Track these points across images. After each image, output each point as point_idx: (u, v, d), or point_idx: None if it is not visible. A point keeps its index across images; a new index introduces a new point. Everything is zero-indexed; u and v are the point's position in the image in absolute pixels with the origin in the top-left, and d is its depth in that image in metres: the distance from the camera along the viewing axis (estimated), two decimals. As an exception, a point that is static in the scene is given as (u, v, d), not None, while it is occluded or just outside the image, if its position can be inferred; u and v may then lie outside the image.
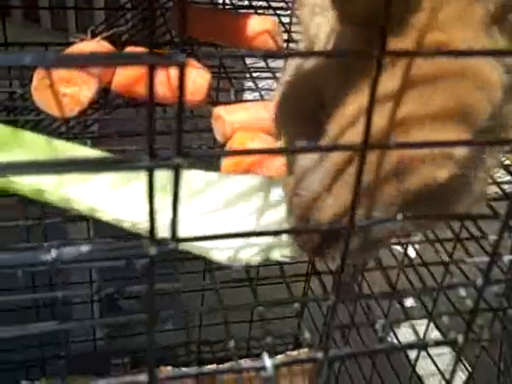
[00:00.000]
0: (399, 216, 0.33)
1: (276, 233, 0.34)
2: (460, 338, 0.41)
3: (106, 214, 0.40)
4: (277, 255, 0.39)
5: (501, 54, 0.35)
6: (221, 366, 0.69)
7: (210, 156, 0.29)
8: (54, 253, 0.28)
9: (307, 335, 0.38)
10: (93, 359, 0.95)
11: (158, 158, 0.27)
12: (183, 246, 0.39)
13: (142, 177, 0.26)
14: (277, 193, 0.41)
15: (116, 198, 0.40)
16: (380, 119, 0.33)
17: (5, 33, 0.78)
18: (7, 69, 0.73)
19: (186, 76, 0.26)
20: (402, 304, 0.61)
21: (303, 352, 0.78)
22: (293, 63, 0.42)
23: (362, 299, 0.41)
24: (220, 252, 0.39)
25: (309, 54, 0.41)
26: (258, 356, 0.33)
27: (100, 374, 0.84)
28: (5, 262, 0.27)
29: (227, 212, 0.41)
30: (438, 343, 0.41)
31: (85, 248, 0.29)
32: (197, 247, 0.39)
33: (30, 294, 0.39)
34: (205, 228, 0.41)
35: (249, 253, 0.39)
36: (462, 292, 0.44)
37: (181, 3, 0.24)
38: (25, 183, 0.40)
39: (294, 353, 0.73)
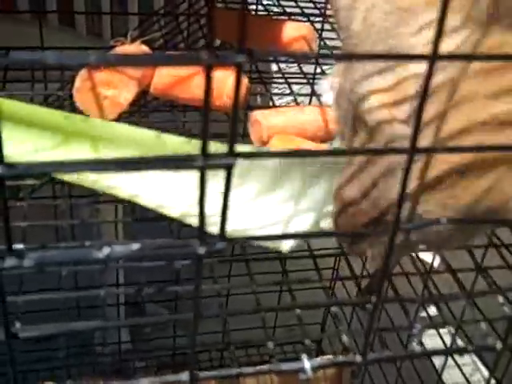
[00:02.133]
0: (443, 220, 0.33)
1: (326, 234, 0.35)
2: (499, 345, 0.41)
3: (151, 202, 0.41)
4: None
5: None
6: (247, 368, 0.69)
7: (261, 155, 0.29)
8: (106, 250, 0.29)
9: (345, 338, 0.38)
10: (117, 362, 0.96)
11: (211, 158, 0.27)
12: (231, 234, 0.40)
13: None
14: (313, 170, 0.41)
15: (167, 187, 0.41)
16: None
17: (41, 37, 0.79)
18: (43, 72, 0.75)
19: (241, 76, 0.26)
20: (428, 313, 0.61)
21: (328, 358, 0.78)
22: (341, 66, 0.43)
23: (399, 302, 0.41)
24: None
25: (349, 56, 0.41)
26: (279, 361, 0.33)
27: (125, 377, 0.85)
28: (57, 258, 0.28)
29: (266, 198, 0.42)
30: (476, 350, 0.41)
31: (136, 246, 0.29)
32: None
33: (73, 292, 0.40)
34: (247, 217, 0.41)
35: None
36: (500, 299, 0.44)
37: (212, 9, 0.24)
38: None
39: (326, 357, 0.73)
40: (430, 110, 0.36)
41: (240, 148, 0.43)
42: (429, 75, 0.27)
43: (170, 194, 0.41)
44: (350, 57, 0.36)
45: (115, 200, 0.44)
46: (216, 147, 0.39)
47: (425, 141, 0.35)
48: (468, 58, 0.31)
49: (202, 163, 0.27)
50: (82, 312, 0.86)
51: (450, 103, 0.35)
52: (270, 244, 0.42)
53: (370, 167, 0.40)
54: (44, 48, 0.78)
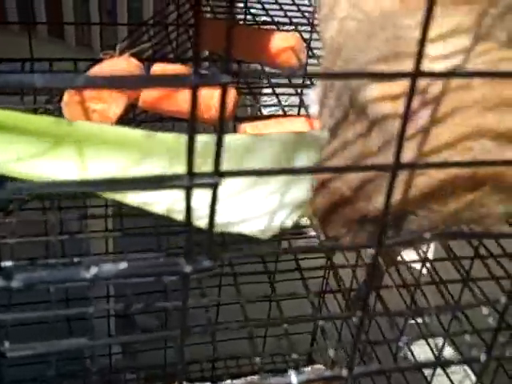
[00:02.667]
0: (427, 235, 0.34)
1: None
2: (483, 356, 0.41)
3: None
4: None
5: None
6: (237, 381, 0.70)
7: (246, 174, 0.30)
8: (93, 270, 0.29)
9: (331, 352, 0.39)
10: (108, 374, 0.96)
11: (196, 178, 0.27)
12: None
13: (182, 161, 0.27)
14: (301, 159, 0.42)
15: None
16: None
17: (31, 48, 0.79)
18: (33, 89, 0.75)
19: (228, 96, 0.26)
20: (417, 322, 0.61)
21: (318, 368, 0.78)
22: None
23: (387, 316, 0.41)
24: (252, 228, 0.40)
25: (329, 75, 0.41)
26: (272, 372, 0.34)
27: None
28: (45, 278, 0.28)
29: (252, 192, 0.42)
30: (462, 361, 0.41)
31: (123, 265, 0.29)
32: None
33: (63, 310, 0.40)
34: (230, 211, 0.42)
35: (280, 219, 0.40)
36: (485, 311, 0.44)
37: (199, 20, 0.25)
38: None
39: (317, 367, 0.73)
40: (423, 117, 0.36)
41: (228, 139, 0.43)
42: (411, 92, 0.27)
43: (155, 192, 0.41)
44: (331, 76, 0.36)
45: (104, 215, 0.44)
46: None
47: (411, 153, 0.36)
48: (451, 75, 0.32)
49: (188, 183, 0.27)
50: (72, 324, 0.85)
51: (438, 115, 0.35)
52: (248, 232, 0.41)
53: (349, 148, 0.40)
54: (33, 59, 0.79)
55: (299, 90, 0.72)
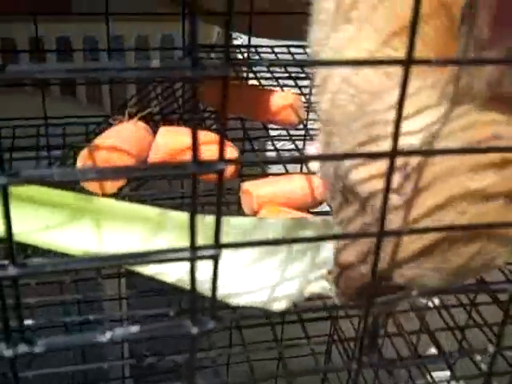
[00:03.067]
0: (414, 292, 0.36)
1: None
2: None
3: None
4: (316, 288, 0.43)
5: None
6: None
7: (245, 246, 0.33)
8: (108, 334, 0.32)
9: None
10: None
11: (198, 250, 0.30)
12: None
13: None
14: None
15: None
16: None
17: (44, 108, 0.83)
18: (47, 150, 0.79)
19: (223, 181, 0.30)
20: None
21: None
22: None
23: (384, 366, 0.43)
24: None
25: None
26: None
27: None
28: (65, 343, 0.31)
29: (256, 267, 0.45)
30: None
31: (135, 329, 0.32)
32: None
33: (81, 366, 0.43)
34: (237, 283, 0.45)
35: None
36: (478, 357, 0.46)
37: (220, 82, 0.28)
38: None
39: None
40: (408, 187, 0.39)
41: (234, 221, 0.47)
42: (390, 171, 0.30)
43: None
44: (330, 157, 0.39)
45: (118, 273, 0.47)
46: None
47: (400, 221, 0.38)
48: (429, 153, 0.35)
49: (191, 255, 0.30)
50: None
51: (427, 180, 0.38)
52: (261, 305, 0.44)
53: (351, 225, 0.43)
54: (47, 117, 0.83)
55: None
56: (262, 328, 0.52)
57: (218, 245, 0.31)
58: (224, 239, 0.30)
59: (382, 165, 0.38)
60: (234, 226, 0.46)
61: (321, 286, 0.44)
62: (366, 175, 0.39)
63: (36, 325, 0.44)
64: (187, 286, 0.44)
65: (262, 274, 0.45)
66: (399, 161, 0.37)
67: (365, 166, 0.39)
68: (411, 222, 0.38)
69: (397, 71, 0.40)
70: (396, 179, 0.38)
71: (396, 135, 0.29)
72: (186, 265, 0.44)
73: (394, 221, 0.38)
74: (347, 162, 0.42)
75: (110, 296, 0.77)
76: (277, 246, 0.46)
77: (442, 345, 0.48)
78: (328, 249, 0.43)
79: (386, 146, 0.40)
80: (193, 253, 0.30)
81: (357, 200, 0.41)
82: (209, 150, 0.38)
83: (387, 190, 0.30)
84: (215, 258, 0.31)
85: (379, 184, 0.39)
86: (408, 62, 0.28)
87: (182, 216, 0.46)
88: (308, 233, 0.46)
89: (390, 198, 0.38)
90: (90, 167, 0.28)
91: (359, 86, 0.44)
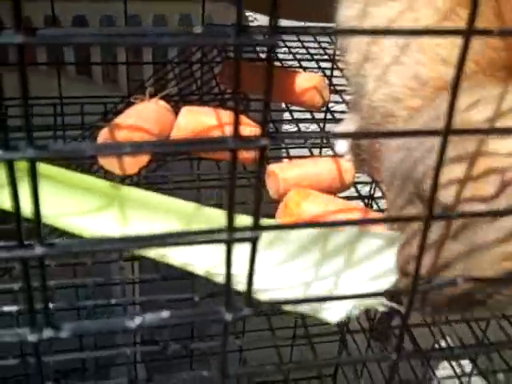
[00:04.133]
0: (459, 280, 0.35)
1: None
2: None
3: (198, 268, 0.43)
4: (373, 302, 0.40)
5: None
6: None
7: (284, 228, 0.31)
8: (138, 320, 0.30)
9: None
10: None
11: (236, 232, 0.29)
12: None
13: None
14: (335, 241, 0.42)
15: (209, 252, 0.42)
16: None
17: (60, 88, 0.82)
18: (63, 130, 0.77)
19: (265, 158, 0.28)
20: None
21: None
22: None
23: (421, 358, 0.42)
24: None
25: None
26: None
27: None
28: (92, 328, 0.29)
29: (289, 265, 0.43)
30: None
31: (165, 314, 0.30)
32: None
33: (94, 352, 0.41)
34: (270, 279, 0.43)
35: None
36: None
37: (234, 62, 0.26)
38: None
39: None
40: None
41: (265, 222, 0.45)
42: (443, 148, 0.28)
43: (196, 253, 0.42)
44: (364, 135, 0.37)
45: (135, 257, 0.45)
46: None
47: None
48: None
49: (228, 237, 0.29)
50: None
51: None
52: (311, 313, 0.41)
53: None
54: (62, 97, 0.81)
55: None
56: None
57: (257, 226, 0.29)
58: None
59: (469, 170, 0.36)
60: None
61: (378, 300, 0.41)
62: (454, 193, 0.36)
63: (56, 308, 0.43)
64: (217, 278, 0.43)
65: (295, 272, 0.43)
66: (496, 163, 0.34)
67: (454, 184, 0.36)
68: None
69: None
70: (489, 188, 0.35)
71: (450, 114, 0.27)
72: (216, 256, 0.43)
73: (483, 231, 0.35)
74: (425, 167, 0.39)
75: (124, 280, 0.75)
76: (312, 245, 0.44)
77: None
78: (389, 259, 0.39)
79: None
80: (230, 234, 0.29)
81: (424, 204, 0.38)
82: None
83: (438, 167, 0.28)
84: (253, 241, 0.29)
85: (467, 192, 0.35)
86: (469, 33, 0.26)
87: (217, 212, 0.44)
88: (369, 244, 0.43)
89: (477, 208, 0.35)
90: (127, 141, 0.26)
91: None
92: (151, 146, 0.27)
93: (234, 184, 0.29)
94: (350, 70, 0.58)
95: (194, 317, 0.32)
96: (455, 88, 0.27)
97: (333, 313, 0.39)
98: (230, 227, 0.28)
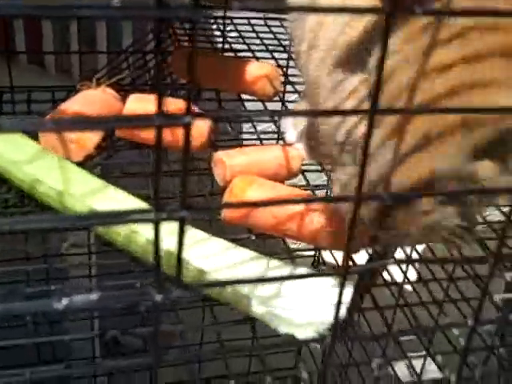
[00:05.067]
0: (390, 261, 0.35)
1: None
2: (453, 377, 0.42)
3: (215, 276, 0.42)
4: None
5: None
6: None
7: (213, 209, 0.31)
8: (65, 301, 0.30)
9: (305, 375, 0.40)
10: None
11: (163, 212, 0.28)
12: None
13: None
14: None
15: (225, 260, 0.42)
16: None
17: (10, 77, 0.80)
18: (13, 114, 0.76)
19: (190, 136, 0.28)
20: (398, 342, 0.62)
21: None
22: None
23: (358, 340, 0.42)
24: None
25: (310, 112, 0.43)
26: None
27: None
28: (17, 310, 0.29)
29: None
30: (434, 382, 0.42)
31: (94, 296, 0.30)
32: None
33: (35, 338, 0.41)
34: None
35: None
36: (455, 331, 0.45)
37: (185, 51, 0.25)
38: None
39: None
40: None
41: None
42: (369, 128, 0.28)
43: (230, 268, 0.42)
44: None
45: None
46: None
47: None
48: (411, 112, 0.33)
49: (156, 217, 0.28)
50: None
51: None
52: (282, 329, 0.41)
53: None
54: (13, 87, 0.80)
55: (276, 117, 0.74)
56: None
57: (185, 206, 0.29)
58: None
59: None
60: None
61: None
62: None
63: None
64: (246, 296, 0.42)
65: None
66: None
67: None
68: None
69: None
70: None
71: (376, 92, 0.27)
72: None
73: None
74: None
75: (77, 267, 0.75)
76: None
77: (419, 321, 0.47)
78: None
79: None
80: (157, 214, 0.28)
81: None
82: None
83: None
84: (182, 220, 0.29)
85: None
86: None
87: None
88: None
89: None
90: (47, 119, 0.25)
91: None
92: (72, 124, 0.26)
93: (159, 164, 0.28)
94: (300, 59, 0.58)
95: (123, 298, 0.32)
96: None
97: (303, 331, 0.40)
98: (158, 207, 0.28)
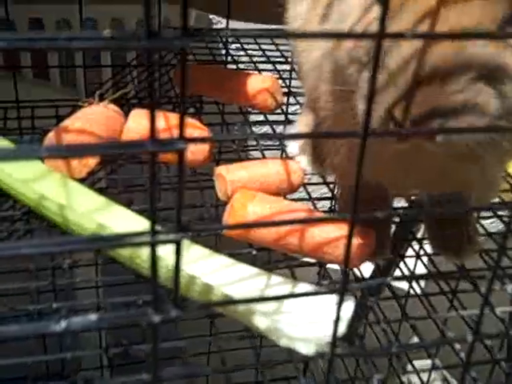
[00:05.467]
0: (389, 279, 0.35)
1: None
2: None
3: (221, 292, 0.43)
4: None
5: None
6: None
7: (210, 230, 0.31)
8: (63, 323, 0.30)
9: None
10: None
11: (159, 235, 0.29)
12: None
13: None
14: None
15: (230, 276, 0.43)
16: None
17: (16, 91, 0.81)
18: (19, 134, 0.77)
19: (185, 161, 0.28)
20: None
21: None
22: None
23: (360, 356, 0.42)
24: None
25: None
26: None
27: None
28: (15, 333, 0.29)
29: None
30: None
31: (93, 317, 0.30)
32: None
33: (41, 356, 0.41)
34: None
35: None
36: (457, 345, 0.45)
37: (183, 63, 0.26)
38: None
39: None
40: None
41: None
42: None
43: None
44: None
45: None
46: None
47: None
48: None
49: (152, 240, 0.29)
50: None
51: None
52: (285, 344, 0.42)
53: None
54: (19, 102, 0.80)
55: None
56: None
57: (180, 228, 0.29)
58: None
59: None
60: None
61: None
62: None
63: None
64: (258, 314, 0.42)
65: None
66: None
67: None
68: None
69: None
70: None
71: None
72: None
73: None
74: None
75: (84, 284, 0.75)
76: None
77: (424, 334, 0.47)
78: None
79: None
80: (154, 237, 0.29)
81: None
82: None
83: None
84: (178, 243, 0.29)
85: None
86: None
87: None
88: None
89: None
90: (44, 146, 0.26)
91: None
92: (66, 151, 0.27)
93: (155, 187, 0.29)
94: (301, 71, 0.58)
95: (122, 319, 0.32)
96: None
97: (305, 346, 0.40)
98: (153, 230, 0.28)
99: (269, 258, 0.55)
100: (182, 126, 0.27)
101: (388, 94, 0.36)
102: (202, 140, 0.36)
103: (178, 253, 0.30)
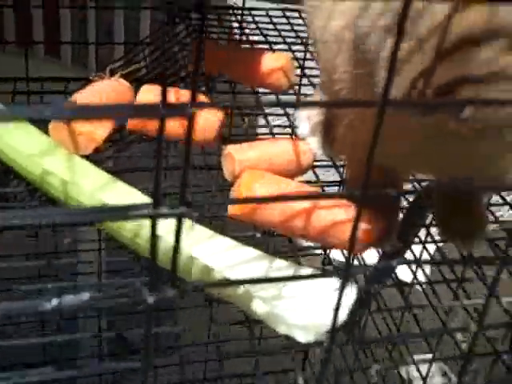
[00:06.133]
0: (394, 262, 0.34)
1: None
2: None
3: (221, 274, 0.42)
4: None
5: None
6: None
7: (212, 204, 0.30)
8: (54, 302, 0.29)
9: (301, 381, 0.39)
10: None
11: (161, 208, 0.28)
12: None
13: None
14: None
15: (231, 259, 0.42)
16: None
17: (27, 68, 0.80)
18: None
19: (194, 127, 0.27)
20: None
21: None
22: None
23: (361, 345, 0.41)
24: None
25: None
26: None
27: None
28: (6, 311, 0.28)
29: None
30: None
31: (85, 296, 0.29)
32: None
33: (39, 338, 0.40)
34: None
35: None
36: (459, 336, 0.44)
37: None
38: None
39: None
40: None
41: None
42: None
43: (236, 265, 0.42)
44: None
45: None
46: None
47: None
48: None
49: (153, 212, 0.28)
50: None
51: None
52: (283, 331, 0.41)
53: None
54: (29, 79, 0.80)
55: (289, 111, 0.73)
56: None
57: (183, 202, 0.28)
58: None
59: None
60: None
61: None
62: None
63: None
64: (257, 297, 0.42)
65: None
66: None
67: None
68: None
69: None
70: None
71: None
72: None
73: None
74: None
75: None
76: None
77: (426, 327, 0.46)
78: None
79: None
80: (155, 210, 0.28)
81: None
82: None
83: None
84: (180, 217, 0.28)
85: None
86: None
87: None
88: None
89: None
90: (47, 105, 0.25)
91: None
92: (74, 112, 0.26)
93: (161, 158, 0.28)
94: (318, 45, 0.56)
95: (114, 298, 0.31)
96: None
97: (303, 334, 0.40)
98: (156, 202, 0.28)
99: (273, 245, 0.54)
100: (193, 92, 0.27)
101: (414, 62, 0.35)
102: (212, 105, 0.35)
103: (178, 228, 0.29)
